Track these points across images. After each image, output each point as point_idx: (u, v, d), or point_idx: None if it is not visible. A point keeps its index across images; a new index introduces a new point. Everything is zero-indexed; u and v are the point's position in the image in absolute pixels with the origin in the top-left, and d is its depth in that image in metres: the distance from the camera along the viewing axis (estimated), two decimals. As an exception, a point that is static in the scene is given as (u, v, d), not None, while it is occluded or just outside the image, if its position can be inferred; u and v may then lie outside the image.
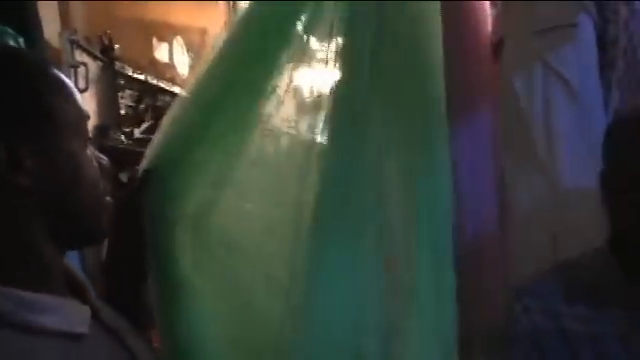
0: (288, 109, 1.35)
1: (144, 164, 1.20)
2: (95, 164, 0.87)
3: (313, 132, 1.36)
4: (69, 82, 0.87)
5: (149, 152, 1.26)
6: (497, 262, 1.38)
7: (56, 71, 0.87)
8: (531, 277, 1.14)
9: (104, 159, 0.91)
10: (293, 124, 1.37)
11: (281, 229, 1.32)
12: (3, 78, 0.79)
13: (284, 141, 1.36)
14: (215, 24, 6.68)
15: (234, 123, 1.32)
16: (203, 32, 6.24)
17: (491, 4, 1.54)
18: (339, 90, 1.34)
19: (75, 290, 0.87)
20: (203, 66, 1.39)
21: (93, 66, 3.65)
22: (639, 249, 1.00)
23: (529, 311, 1.03)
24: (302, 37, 1.42)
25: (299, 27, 1.40)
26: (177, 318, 1.21)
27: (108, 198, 0.93)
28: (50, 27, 3.02)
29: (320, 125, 1.37)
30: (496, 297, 1.30)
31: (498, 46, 1.50)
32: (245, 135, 1.33)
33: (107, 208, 0.90)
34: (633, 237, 1.00)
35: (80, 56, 3.43)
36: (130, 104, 6.21)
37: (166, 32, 5.14)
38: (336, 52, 1.41)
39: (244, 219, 1.33)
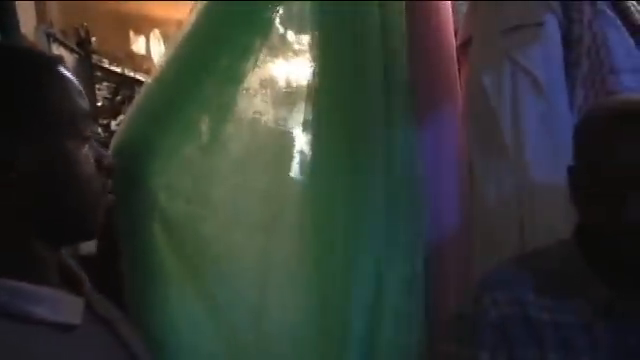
0: (262, 99, 1.38)
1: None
2: (92, 162, 0.86)
3: (285, 123, 1.40)
4: (70, 78, 0.86)
5: (114, 141, 1.29)
6: (464, 253, 1.41)
7: (59, 67, 0.86)
8: (496, 266, 1.17)
9: (107, 156, 0.91)
10: (266, 114, 1.40)
11: (247, 218, 1.36)
12: (1, 77, 0.80)
13: (253, 129, 1.39)
14: (192, 16, 6.65)
15: (200, 106, 1.35)
16: (180, 24, 6.21)
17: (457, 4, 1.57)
18: (314, 83, 1.38)
19: (71, 282, 0.89)
20: (169, 50, 1.42)
21: (70, 59, 3.63)
22: (603, 242, 1.03)
23: (497, 303, 1.06)
24: (278, 29, 1.45)
25: (275, 19, 1.44)
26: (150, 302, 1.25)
27: (108, 195, 0.92)
28: (26, 21, 3.01)
29: (293, 116, 1.41)
30: (463, 288, 1.34)
31: (466, 45, 1.53)
32: (212, 120, 1.36)
33: (102, 205, 0.90)
34: (598, 231, 1.03)
35: (57, 49, 3.42)
36: (107, 96, 6.17)
37: (143, 25, 5.11)
38: (309, 45, 1.44)
39: (210, 208, 1.35)
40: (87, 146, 0.86)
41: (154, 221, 1.29)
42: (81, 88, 0.88)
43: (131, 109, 1.39)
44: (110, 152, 1.18)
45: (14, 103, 0.80)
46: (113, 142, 1.33)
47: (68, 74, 0.87)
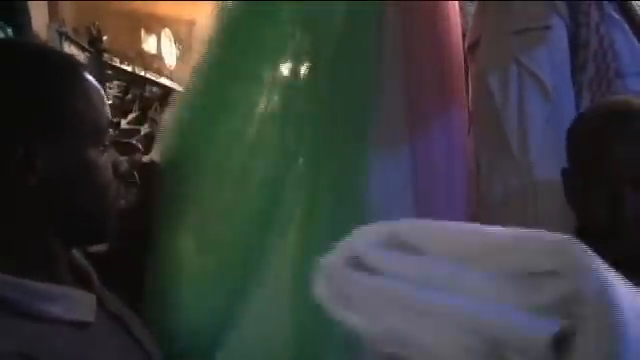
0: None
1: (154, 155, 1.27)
2: (109, 170, 0.88)
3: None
4: (96, 86, 0.88)
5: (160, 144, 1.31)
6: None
7: (86, 74, 0.87)
8: None
9: (124, 163, 0.92)
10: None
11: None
12: (28, 78, 0.81)
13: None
14: (203, 16, 6.67)
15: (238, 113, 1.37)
16: (191, 24, 6.24)
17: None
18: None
19: (81, 279, 0.91)
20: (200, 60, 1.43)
21: (81, 57, 3.67)
22: (598, 241, 1.04)
23: None
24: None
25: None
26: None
27: (122, 201, 0.96)
28: (38, 19, 3.04)
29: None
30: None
31: (474, 46, 1.55)
32: (242, 122, 1.38)
33: (116, 210, 0.92)
34: (593, 230, 1.05)
35: (68, 48, 3.45)
36: (117, 94, 6.21)
37: (154, 24, 5.15)
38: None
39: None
40: (106, 153, 0.88)
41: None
42: (105, 96, 0.89)
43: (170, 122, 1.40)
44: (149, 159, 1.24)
45: (39, 106, 0.81)
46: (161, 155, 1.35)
47: (94, 81, 0.88)
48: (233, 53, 1.38)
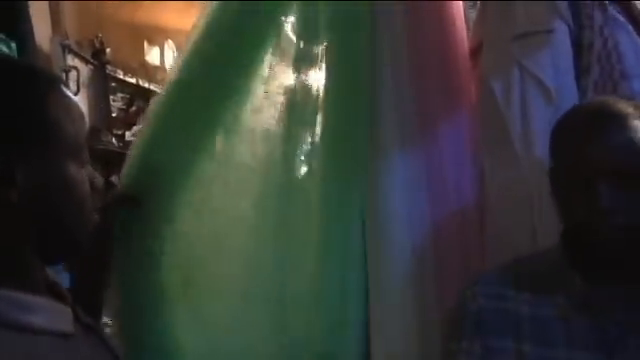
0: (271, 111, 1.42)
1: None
2: (87, 185, 0.89)
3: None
4: (75, 103, 0.88)
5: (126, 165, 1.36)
6: (478, 253, 1.43)
7: (65, 91, 0.88)
8: (489, 270, 1.24)
9: (97, 177, 0.93)
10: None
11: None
12: (8, 94, 0.81)
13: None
14: (206, 27, 6.70)
15: (209, 124, 1.39)
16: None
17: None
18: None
19: (55, 294, 0.90)
20: (175, 64, 1.46)
21: (85, 70, 3.67)
22: (581, 236, 1.07)
23: (476, 296, 1.13)
24: (289, 37, 1.48)
25: (285, 27, 1.46)
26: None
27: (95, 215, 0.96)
28: (41, 31, 3.05)
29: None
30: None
31: (477, 50, 1.54)
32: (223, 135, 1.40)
33: (91, 224, 0.92)
34: (577, 226, 1.08)
35: (72, 60, 3.45)
36: (121, 107, 6.21)
37: (157, 35, 5.15)
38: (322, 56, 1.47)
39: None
40: (84, 169, 0.89)
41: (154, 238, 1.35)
42: (83, 112, 0.90)
43: (141, 129, 1.44)
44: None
45: (19, 121, 0.81)
46: (125, 166, 1.38)
47: (72, 97, 0.89)
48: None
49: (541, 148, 1.36)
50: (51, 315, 0.82)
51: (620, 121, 1.02)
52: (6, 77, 0.82)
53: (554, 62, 1.39)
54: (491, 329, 1.10)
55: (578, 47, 1.43)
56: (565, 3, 1.44)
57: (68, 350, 0.82)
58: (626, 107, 1.05)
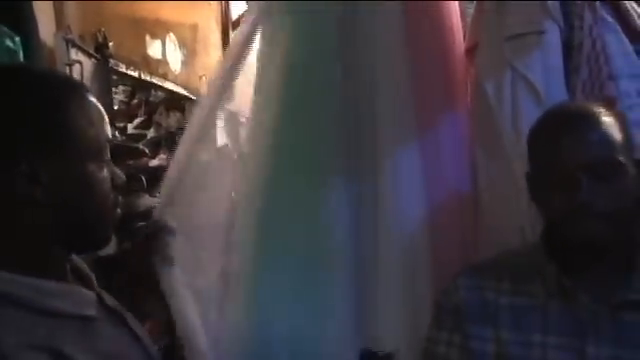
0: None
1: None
2: (108, 182, 0.94)
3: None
4: (97, 106, 0.94)
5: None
6: (473, 246, 1.48)
7: (87, 94, 0.94)
8: (475, 262, 1.31)
9: (121, 177, 0.99)
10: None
11: None
12: (34, 99, 0.87)
13: None
14: (206, 20, 6.72)
15: None
16: (195, 28, 6.28)
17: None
18: None
19: (81, 280, 0.98)
20: None
21: (88, 64, 3.70)
22: (559, 230, 1.12)
23: (458, 288, 1.20)
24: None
25: None
26: None
27: (118, 210, 1.00)
28: (45, 26, 3.08)
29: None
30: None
31: (473, 50, 1.58)
32: None
33: (114, 219, 0.98)
34: (555, 221, 1.13)
35: (75, 54, 3.48)
36: (123, 99, 6.23)
37: (158, 29, 5.18)
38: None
39: None
40: (105, 167, 0.94)
41: None
42: (103, 113, 0.96)
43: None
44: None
45: (42, 126, 0.87)
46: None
47: (95, 102, 0.94)
48: None
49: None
50: (74, 300, 0.90)
51: (592, 117, 1.07)
52: (29, 84, 0.88)
53: (544, 63, 1.43)
54: (471, 319, 1.17)
55: (568, 47, 1.46)
56: (557, 4, 1.47)
57: (90, 332, 0.89)
58: (596, 106, 1.11)
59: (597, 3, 1.50)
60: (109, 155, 0.96)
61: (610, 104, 1.37)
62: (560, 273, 1.12)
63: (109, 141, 0.96)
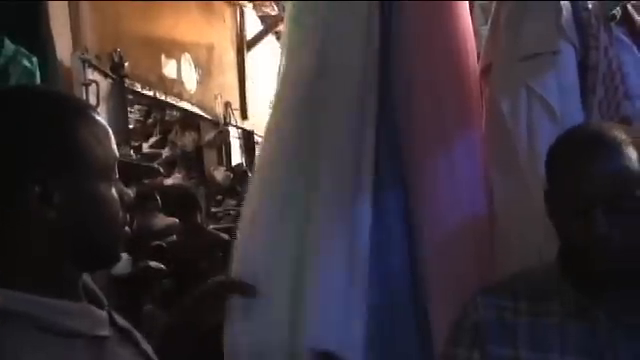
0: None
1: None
2: (117, 201, 0.95)
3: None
4: (105, 127, 0.95)
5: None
6: (490, 266, 1.47)
7: (95, 114, 0.95)
8: (492, 282, 1.31)
9: (128, 194, 1.00)
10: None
11: None
12: (44, 120, 0.88)
13: None
14: (222, 40, 6.79)
15: None
16: (210, 48, 6.35)
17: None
18: None
19: (92, 299, 0.97)
20: None
21: (104, 83, 3.74)
22: (576, 255, 1.13)
23: (477, 307, 1.20)
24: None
25: None
26: None
27: (127, 228, 1.01)
28: (63, 47, 3.12)
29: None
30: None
31: (488, 70, 1.58)
32: None
33: (123, 238, 0.99)
34: (572, 245, 1.14)
35: (92, 74, 3.52)
36: (139, 119, 6.28)
37: (174, 49, 5.24)
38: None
39: None
40: (114, 187, 0.95)
41: None
42: (111, 134, 0.97)
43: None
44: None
45: (56, 146, 0.88)
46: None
47: (103, 122, 0.96)
48: None
49: (546, 166, 1.39)
50: (87, 319, 0.90)
51: (613, 149, 1.06)
52: (37, 106, 0.90)
53: (559, 82, 1.43)
54: (490, 338, 1.17)
55: (584, 67, 1.46)
56: (571, 24, 1.47)
57: (102, 352, 0.90)
58: (619, 134, 1.09)
59: (613, 24, 1.50)
60: (117, 174, 0.97)
61: (627, 123, 1.36)
62: (577, 293, 1.12)
63: (118, 160, 0.98)
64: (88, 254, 0.93)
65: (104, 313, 0.95)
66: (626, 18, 1.53)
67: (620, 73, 1.44)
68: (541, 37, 1.45)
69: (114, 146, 0.97)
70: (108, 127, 0.96)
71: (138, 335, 1.03)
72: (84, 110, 0.95)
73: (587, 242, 1.06)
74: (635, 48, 1.50)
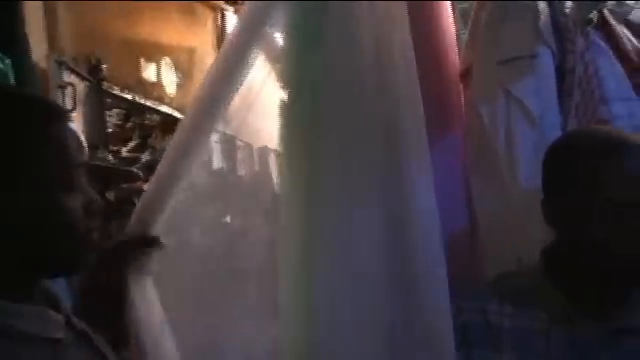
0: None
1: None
2: (76, 210, 0.92)
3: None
4: (70, 129, 0.92)
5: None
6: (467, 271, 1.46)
7: (57, 118, 0.92)
8: (474, 286, 1.31)
9: (96, 200, 0.97)
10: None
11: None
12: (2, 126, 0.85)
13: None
14: (203, 44, 6.75)
15: None
16: (191, 51, 6.30)
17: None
18: None
19: (49, 303, 0.95)
20: None
21: (81, 86, 3.69)
22: (570, 259, 1.14)
23: (462, 310, 1.19)
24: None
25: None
26: None
27: (94, 234, 0.98)
28: (38, 48, 3.07)
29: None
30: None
31: (467, 74, 1.58)
32: None
33: (89, 245, 0.96)
34: (567, 249, 1.15)
35: (68, 77, 3.48)
36: (117, 122, 6.22)
37: (153, 52, 5.19)
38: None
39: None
40: (76, 195, 0.92)
41: None
42: (80, 140, 0.95)
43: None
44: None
45: (11, 154, 0.85)
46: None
47: (69, 128, 0.93)
48: None
49: (525, 170, 1.40)
50: (42, 322, 0.88)
51: (633, 148, 1.08)
52: None
53: (537, 86, 1.43)
54: (475, 342, 1.17)
55: (561, 71, 1.47)
56: (549, 29, 1.48)
57: (57, 355, 0.88)
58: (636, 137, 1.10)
59: (589, 28, 1.51)
60: (84, 181, 0.94)
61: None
62: (562, 298, 1.13)
63: (85, 165, 0.96)
64: (46, 263, 0.91)
65: (60, 316, 0.93)
66: (602, 23, 1.53)
67: (596, 77, 1.45)
68: (519, 41, 1.45)
69: (81, 154, 0.95)
70: (76, 133, 0.95)
71: (98, 338, 1.01)
72: (44, 113, 0.91)
73: (586, 247, 1.09)
74: (611, 52, 1.50)
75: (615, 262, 1.09)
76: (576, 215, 1.13)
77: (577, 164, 1.13)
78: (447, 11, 1.59)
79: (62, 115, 0.94)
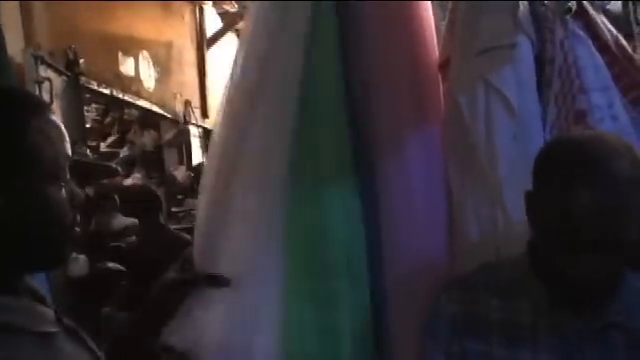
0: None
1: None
2: (65, 203, 0.92)
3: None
4: (56, 124, 0.92)
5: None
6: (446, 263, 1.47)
7: (47, 112, 0.92)
8: (461, 274, 1.31)
9: (79, 194, 0.96)
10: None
11: None
12: None
13: None
14: (181, 37, 6.71)
15: None
16: (169, 45, 6.26)
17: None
18: None
19: (36, 298, 0.95)
20: None
21: (58, 81, 3.66)
22: (552, 255, 1.14)
23: (452, 300, 1.21)
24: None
25: None
26: None
27: (77, 229, 0.98)
28: (14, 43, 3.03)
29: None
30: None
31: (446, 64, 1.57)
32: None
33: (72, 239, 0.96)
34: (550, 246, 1.15)
35: (44, 71, 3.44)
36: (96, 117, 6.18)
37: (131, 46, 5.15)
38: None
39: None
40: (63, 187, 0.93)
41: None
42: (64, 132, 0.94)
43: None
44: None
45: (2, 147, 0.85)
46: None
47: (53, 120, 0.92)
48: None
49: (505, 161, 1.39)
50: (28, 315, 0.88)
51: (605, 162, 1.07)
52: None
53: (517, 76, 1.42)
54: (465, 332, 1.18)
55: (540, 61, 1.46)
56: (528, 18, 1.47)
57: (48, 348, 0.88)
58: (615, 143, 1.11)
59: (568, 17, 1.51)
60: (70, 174, 0.94)
61: (581, 117, 1.37)
62: (547, 291, 1.14)
63: (72, 160, 0.95)
64: (32, 255, 0.91)
65: (50, 310, 0.93)
66: (581, 12, 1.53)
67: (575, 67, 1.45)
68: (498, 30, 1.44)
69: (66, 145, 0.94)
70: (61, 125, 0.93)
71: (84, 334, 1.01)
72: (34, 108, 0.91)
73: (568, 245, 1.09)
74: (590, 42, 1.50)
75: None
76: (533, 210, 1.17)
77: (543, 168, 1.16)
78: (427, 7, 1.59)
79: (44, 107, 0.94)
